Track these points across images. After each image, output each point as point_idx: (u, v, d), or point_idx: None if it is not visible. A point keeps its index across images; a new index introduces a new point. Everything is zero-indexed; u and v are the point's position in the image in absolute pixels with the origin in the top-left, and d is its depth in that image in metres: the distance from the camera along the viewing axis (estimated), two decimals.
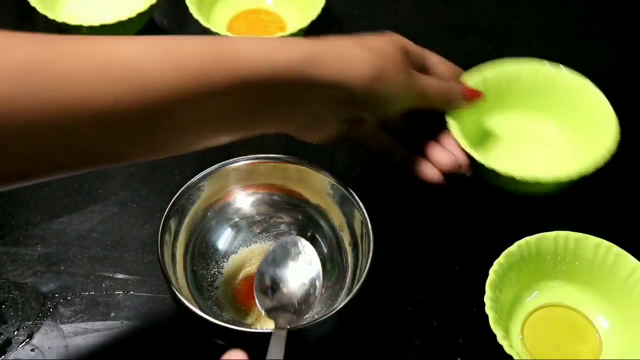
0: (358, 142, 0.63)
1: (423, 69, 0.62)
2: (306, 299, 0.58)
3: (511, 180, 0.61)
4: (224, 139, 0.54)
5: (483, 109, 0.69)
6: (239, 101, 0.51)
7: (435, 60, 0.64)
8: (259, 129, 0.55)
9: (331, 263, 0.65)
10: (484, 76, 0.68)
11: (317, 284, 0.59)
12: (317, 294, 0.58)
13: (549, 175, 0.62)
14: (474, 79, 0.67)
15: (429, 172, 0.62)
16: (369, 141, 0.63)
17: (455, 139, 0.62)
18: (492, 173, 0.62)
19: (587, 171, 0.62)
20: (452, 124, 0.63)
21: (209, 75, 0.48)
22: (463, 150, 0.62)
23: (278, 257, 0.60)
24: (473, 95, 0.65)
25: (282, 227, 0.67)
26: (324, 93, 0.54)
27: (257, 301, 0.58)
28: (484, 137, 0.70)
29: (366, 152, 0.64)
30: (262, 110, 0.53)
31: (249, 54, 0.50)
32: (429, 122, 0.64)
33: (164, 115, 0.47)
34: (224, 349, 0.46)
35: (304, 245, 0.61)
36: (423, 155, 0.63)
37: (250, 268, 0.65)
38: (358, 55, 0.55)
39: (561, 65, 0.70)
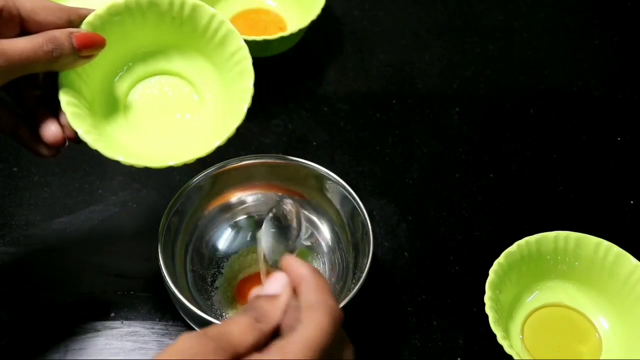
0: None
1: (15, 21, 0.50)
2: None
3: None
4: None
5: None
6: None
7: (30, 4, 0.51)
8: None
9: (331, 263, 0.65)
10: None
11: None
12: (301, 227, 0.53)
13: None
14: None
15: (42, 150, 0.54)
16: None
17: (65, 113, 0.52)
18: None
19: None
20: None
21: None
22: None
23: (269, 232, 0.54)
24: (87, 43, 0.52)
25: None
26: None
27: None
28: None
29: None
30: None
31: None
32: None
33: None
34: None
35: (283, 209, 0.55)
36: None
37: (250, 268, 0.65)
38: None
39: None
